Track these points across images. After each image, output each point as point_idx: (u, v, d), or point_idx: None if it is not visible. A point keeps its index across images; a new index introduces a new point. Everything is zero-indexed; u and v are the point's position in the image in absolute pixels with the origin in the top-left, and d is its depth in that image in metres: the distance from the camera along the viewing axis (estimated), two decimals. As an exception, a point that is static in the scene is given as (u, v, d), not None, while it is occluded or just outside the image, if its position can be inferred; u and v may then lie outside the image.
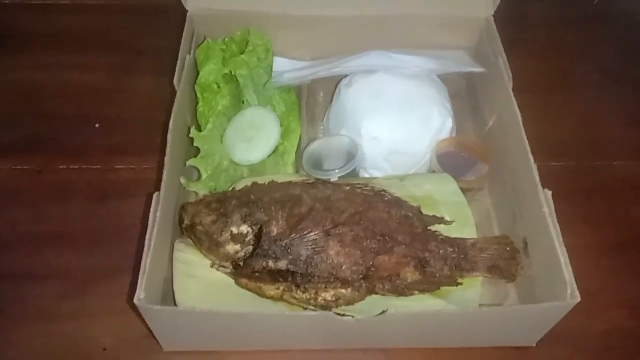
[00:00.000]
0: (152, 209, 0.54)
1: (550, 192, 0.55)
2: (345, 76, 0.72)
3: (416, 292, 0.57)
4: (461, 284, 0.58)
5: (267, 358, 0.58)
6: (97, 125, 0.78)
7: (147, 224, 0.53)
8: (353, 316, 0.51)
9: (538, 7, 0.96)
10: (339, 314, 0.51)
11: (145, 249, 0.51)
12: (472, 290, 0.58)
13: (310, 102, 0.77)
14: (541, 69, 0.87)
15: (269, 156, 0.69)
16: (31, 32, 0.89)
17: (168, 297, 0.56)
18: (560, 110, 0.83)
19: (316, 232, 0.56)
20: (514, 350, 0.59)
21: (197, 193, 0.65)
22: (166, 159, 0.58)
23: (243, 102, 0.72)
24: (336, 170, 0.65)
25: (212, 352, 0.58)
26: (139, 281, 0.49)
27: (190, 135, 0.65)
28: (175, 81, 0.65)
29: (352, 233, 0.56)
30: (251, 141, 0.68)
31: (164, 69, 0.81)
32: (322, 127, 0.76)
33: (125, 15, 0.92)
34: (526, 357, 0.59)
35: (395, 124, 0.66)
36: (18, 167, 0.73)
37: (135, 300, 0.48)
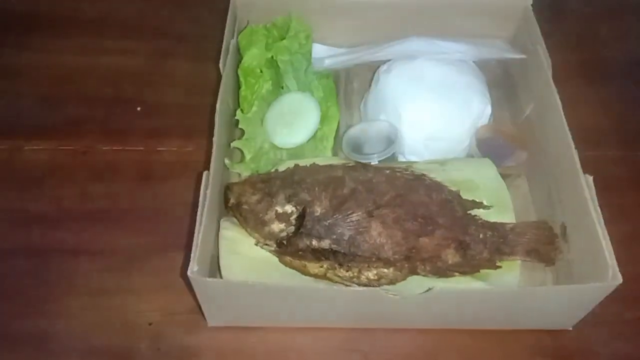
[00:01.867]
0: (202, 187, 0.55)
1: (591, 178, 0.56)
2: (384, 63, 0.73)
3: (456, 274, 0.58)
4: (500, 267, 0.59)
5: (308, 335, 0.60)
6: (138, 108, 0.79)
7: (193, 203, 0.55)
8: (397, 294, 0.52)
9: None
10: (383, 291, 0.52)
11: (197, 224, 0.53)
12: (511, 274, 0.59)
13: (347, 90, 0.78)
14: (576, 59, 0.87)
15: (308, 141, 0.70)
16: (72, 17, 0.91)
17: (214, 274, 0.58)
18: (594, 101, 0.83)
19: (359, 213, 0.57)
20: (551, 333, 0.60)
21: (239, 175, 0.67)
22: (214, 139, 0.59)
23: (282, 87, 0.73)
24: (375, 155, 0.66)
25: (256, 328, 0.60)
26: (192, 255, 0.51)
27: (236, 118, 0.66)
28: (220, 65, 0.66)
29: (394, 215, 0.58)
30: (291, 126, 0.69)
31: (203, 54, 0.83)
32: (359, 114, 0.77)
33: (167, 1, 0.93)
34: (562, 340, 0.60)
35: (435, 110, 0.67)
36: (63, 147, 0.75)
37: (188, 273, 0.49)
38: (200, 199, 0.54)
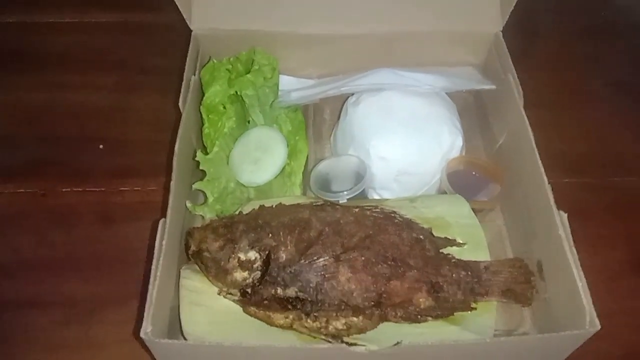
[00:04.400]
0: (158, 237, 0.52)
1: (565, 215, 0.54)
2: (353, 94, 0.71)
3: (430, 318, 0.55)
4: (475, 309, 0.56)
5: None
6: (101, 146, 0.77)
7: (153, 249, 0.52)
8: (365, 346, 0.49)
9: (547, 20, 0.95)
10: (350, 344, 0.49)
11: (152, 279, 0.50)
12: (487, 315, 0.56)
13: (317, 121, 0.76)
14: (551, 82, 0.86)
15: (276, 177, 0.67)
16: (33, 51, 0.88)
17: (175, 325, 0.55)
18: (571, 125, 0.82)
19: (326, 258, 0.54)
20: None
21: (203, 217, 0.64)
22: (172, 183, 0.57)
23: (249, 122, 0.71)
24: (345, 192, 0.63)
25: (221, 383, 0.57)
26: (145, 313, 0.48)
27: (196, 159, 0.63)
28: (180, 103, 0.64)
29: (363, 258, 0.55)
30: (258, 162, 0.67)
31: (169, 88, 0.80)
32: (329, 146, 0.74)
33: (129, 35, 0.91)
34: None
35: (405, 144, 0.65)
36: (21, 190, 0.72)
37: (142, 334, 0.46)
38: (156, 250, 0.52)
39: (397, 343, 0.48)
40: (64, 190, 0.72)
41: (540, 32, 0.92)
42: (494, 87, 0.68)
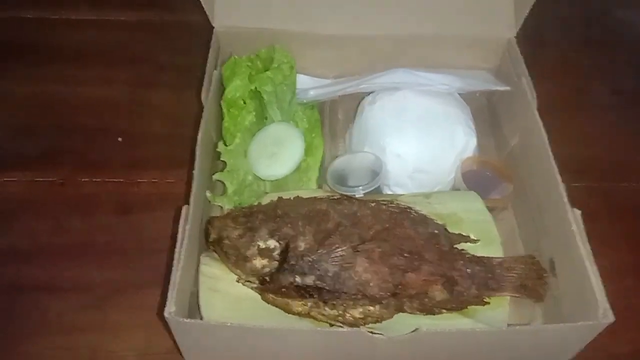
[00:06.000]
0: (181, 222, 0.53)
1: (579, 212, 0.55)
2: (368, 94, 0.72)
3: (444, 310, 0.56)
4: (488, 303, 0.57)
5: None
6: (119, 139, 0.78)
7: (171, 237, 0.53)
8: (383, 334, 0.50)
9: (553, 29, 0.97)
10: (369, 332, 0.50)
11: (175, 262, 0.51)
12: (500, 310, 0.57)
13: (332, 121, 0.77)
14: (557, 90, 0.87)
15: (292, 173, 0.69)
16: (55, 46, 0.90)
17: (193, 311, 0.55)
18: (577, 131, 0.83)
19: (344, 248, 0.55)
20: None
21: (221, 208, 0.65)
22: (195, 172, 0.58)
23: (266, 118, 0.72)
24: (360, 187, 0.65)
25: (236, 369, 0.57)
26: (169, 294, 0.48)
27: (218, 150, 0.65)
28: (202, 96, 0.65)
29: (380, 250, 0.56)
30: (274, 157, 0.68)
31: (186, 84, 0.82)
32: (344, 145, 0.76)
33: (146, 33, 0.93)
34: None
35: (420, 142, 0.66)
36: (39, 179, 0.73)
37: (165, 314, 0.47)
38: (179, 235, 0.53)
39: (415, 330, 0.49)
40: (82, 180, 0.73)
41: (547, 41, 0.94)
42: (508, 88, 0.70)
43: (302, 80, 0.76)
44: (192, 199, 0.56)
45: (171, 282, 0.49)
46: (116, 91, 0.84)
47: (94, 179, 0.73)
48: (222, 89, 0.71)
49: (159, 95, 0.84)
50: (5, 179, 0.73)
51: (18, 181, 0.73)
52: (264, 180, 0.69)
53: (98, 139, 0.78)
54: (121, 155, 0.76)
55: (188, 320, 0.48)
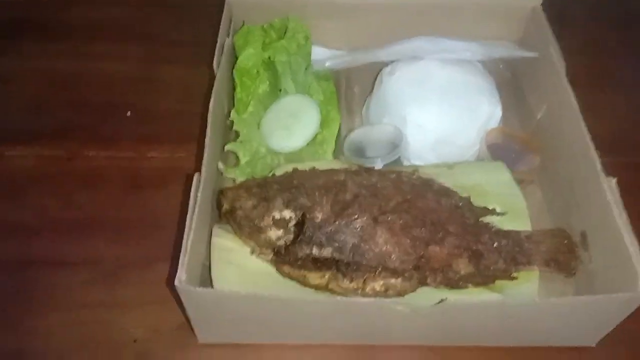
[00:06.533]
0: (192, 189, 0.51)
1: (614, 180, 0.52)
2: (387, 65, 0.69)
3: (470, 285, 0.53)
4: (516, 278, 0.54)
5: (308, 353, 0.55)
6: (129, 113, 0.76)
7: (183, 211, 0.50)
8: (406, 305, 0.47)
9: (578, 7, 0.93)
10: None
11: (187, 229, 0.48)
12: (529, 285, 0.54)
13: (348, 95, 0.75)
14: (583, 67, 0.83)
15: (307, 145, 0.66)
16: (65, 22, 0.88)
17: (205, 285, 0.53)
18: (604, 109, 0.79)
19: (363, 219, 0.52)
20: (572, 351, 0.55)
21: (234, 180, 0.63)
22: (207, 139, 0.55)
23: (280, 90, 0.69)
24: (379, 158, 0.62)
25: (250, 345, 0.55)
26: (180, 262, 0.46)
27: (230, 119, 0.62)
28: (214, 64, 0.63)
29: (401, 221, 0.53)
30: (289, 128, 0.65)
31: (196, 60, 0.79)
32: (360, 120, 0.73)
33: (158, 9, 0.90)
34: (585, 358, 0.55)
35: (442, 112, 0.63)
36: (47, 154, 0.71)
37: (176, 282, 0.45)
38: (191, 202, 0.50)
39: (442, 300, 0.46)
40: (90, 154, 0.71)
41: (572, 18, 0.91)
42: (536, 54, 0.67)
43: (318, 52, 0.73)
44: (203, 167, 0.53)
45: (182, 249, 0.47)
46: (127, 67, 0.82)
47: (104, 154, 0.71)
48: (234, 59, 0.68)
49: (170, 72, 0.81)
50: (15, 154, 0.71)
51: (28, 156, 0.71)
52: (277, 154, 0.66)
53: (108, 115, 0.76)
54: (131, 130, 0.74)
55: (199, 288, 0.45)
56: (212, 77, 0.63)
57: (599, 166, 0.53)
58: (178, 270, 0.45)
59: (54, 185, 0.68)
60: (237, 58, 0.68)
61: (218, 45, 0.64)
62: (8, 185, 0.68)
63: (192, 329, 0.53)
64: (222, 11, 0.69)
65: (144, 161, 0.71)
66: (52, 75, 0.80)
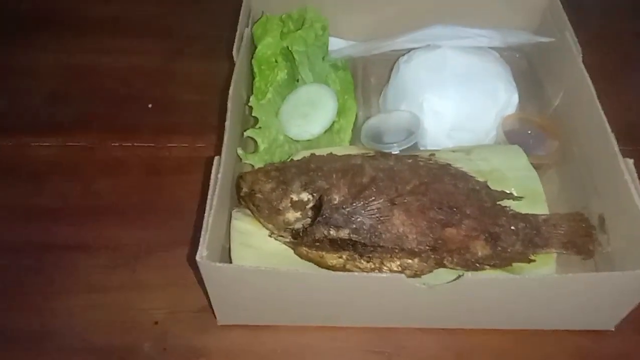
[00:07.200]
0: (213, 171, 0.52)
1: (631, 161, 0.52)
2: (404, 54, 0.70)
3: (487, 267, 0.53)
4: (534, 261, 0.54)
5: (326, 335, 0.55)
6: (150, 105, 0.77)
7: (202, 199, 0.51)
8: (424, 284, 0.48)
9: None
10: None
11: (207, 208, 0.49)
12: (547, 268, 0.54)
13: (364, 85, 0.75)
14: (599, 57, 0.82)
15: (324, 133, 0.67)
16: (85, 16, 0.90)
17: (225, 266, 0.54)
18: (620, 98, 0.78)
19: (380, 201, 0.53)
20: (591, 335, 0.55)
21: (252, 166, 0.63)
22: (227, 123, 0.56)
23: (298, 80, 0.70)
24: (396, 144, 0.62)
25: (269, 326, 0.55)
26: (201, 239, 0.47)
27: (249, 105, 0.63)
28: (234, 52, 0.64)
29: (418, 203, 0.53)
30: (307, 117, 0.66)
31: (216, 53, 0.81)
32: (377, 111, 0.73)
33: (180, 3, 0.92)
34: (604, 342, 0.55)
35: (459, 98, 0.63)
36: (70, 143, 0.73)
37: (197, 258, 0.46)
38: (211, 183, 0.51)
39: (459, 276, 0.46)
40: (112, 144, 0.72)
41: (586, 7, 0.90)
42: (552, 39, 0.67)
43: (335, 43, 0.74)
44: (223, 150, 0.54)
45: (203, 227, 0.48)
46: (148, 61, 0.83)
47: (124, 144, 0.72)
48: (253, 48, 0.69)
49: (190, 65, 0.83)
50: (38, 144, 0.72)
51: (50, 146, 0.72)
52: (295, 142, 0.67)
53: (128, 106, 0.77)
54: (152, 121, 0.75)
55: (220, 264, 0.46)
56: (232, 68, 0.64)
57: (616, 148, 0.53)
58: (199, 247, 0.46)
59: (76, 173, 0.70)
60: (256, 47, 0.69)
61: (238, 34, 0.66)
62: (32, 173, 0.70)
63: (212, 311, 0.54)
64: (239, 6, 0.71)
65: (164, 151, 0.72)
66: (74, 69, 0.82)
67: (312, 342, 0.55)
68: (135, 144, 0.73)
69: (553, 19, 0.69)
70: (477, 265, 0.53)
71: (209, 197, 0.50)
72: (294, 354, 0.54)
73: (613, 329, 0.54)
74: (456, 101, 0.63)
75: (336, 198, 0.53)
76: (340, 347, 0.55)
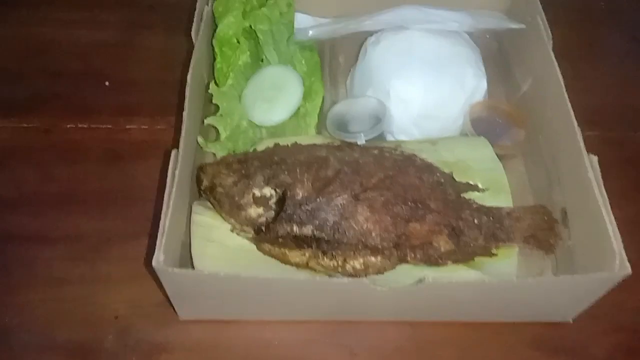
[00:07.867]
0: (170, 167, 0.50)
1: (596, 158, 0.52)
2: (372, 34, 0.68)
3: (449, 262, 0.53)
4: (496, 255, 0.54)
5: (289, 328, 0.55)
6: (107, 83, 0.74)
7: (163, 185, 0.49)
8: (384, 287, 0.47)
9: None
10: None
11: (164, 208, 0.48)
12: (508, 261, 0.54)
13: (332, 65, 0.73)
14: (571, 37, 0.82)
15: (290, 118, 0.65)
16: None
17: (185, 262, 0.53)
18: (591, 80, 0.78)
19: (344, 197, 0.52)
20: (550, 326, 0.56)
21: (214, 155, 0.62)
22: (185, 114, 0.54)
23: (262, 60, 0.68)
24: (362, 133, 0.61)
25: (231, 321, 0.55)
26: (157, 242, 0.45)
27: (209, 92, 0.61)
28: (193, 33, 0.61)
29: (382, 198, 0.53)
30: (272, 101, 0.64)
31: (176, 26, 0.77)
32: (345, 92, 0.71)
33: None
34: (563, 333, 0.56)
35: (426, 84, 0.62)
36: (24, 125, 0.69)
37: (154, 263, 0.44)
38: (168, 180, 0.49)
39: (420, 280, 0.46)
40: (68, 126, 0.69)
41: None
42: (523, 26, 0.65)
43: (301, 20, 0.70)
44: (181, 143, 0.52)
45: (160, 229, 0.46)
46: (104, 34, 0.80)
47: (81, 125, 0.69)
48: (214, 27, 0.66)
49: (149, 39, 0.79)
50: (-10, 126, 0.69)
51: (3, 127, 0.69)
52: (259, 127, 0.65)
53: (85, 84, 0.74)
54: (109, 100, 0.72)
55: (177, 270, 0.45)
56: (192, 46, 0.61)
57: (581, 143, 0.53)
58: (155, 251, 0.45)
59: (32, 158, 0.67)
60: (216, 26, 0.65)
61: (197, 13, 0.62)
62: (-16, 157, 0.67)
63: (173, 307, 0.54)
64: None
65: (122, 133, 0.69)
66: (27, 43, 0.78)
67: (276, 336, 0.55)
68: (92, 125, 0.70)
69: (524, 1, 0.67)
70: (440, 260, 0.53)
71: (165, 196, 0.48)
72: (258, 348, 0.54)
73: (571, 321, 0.56)
74: (423, 88, 0.62)
75: (300, 193, 0.52)
76: (304, 340, 0.55)
